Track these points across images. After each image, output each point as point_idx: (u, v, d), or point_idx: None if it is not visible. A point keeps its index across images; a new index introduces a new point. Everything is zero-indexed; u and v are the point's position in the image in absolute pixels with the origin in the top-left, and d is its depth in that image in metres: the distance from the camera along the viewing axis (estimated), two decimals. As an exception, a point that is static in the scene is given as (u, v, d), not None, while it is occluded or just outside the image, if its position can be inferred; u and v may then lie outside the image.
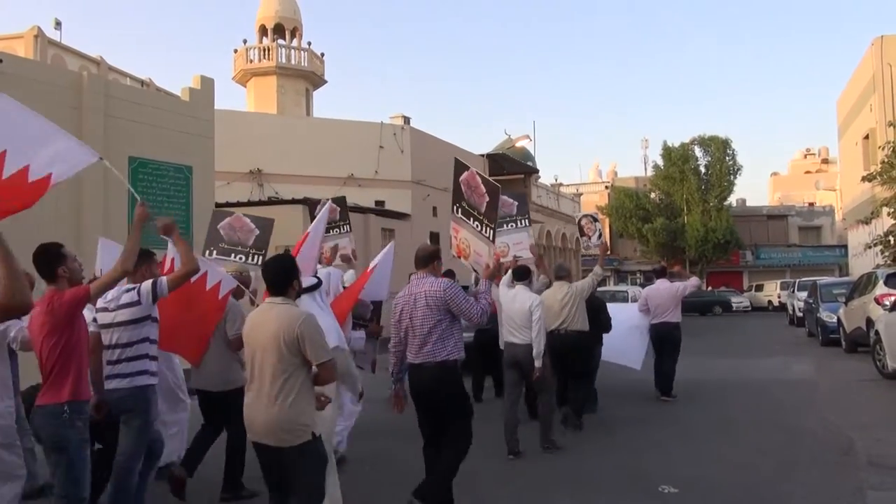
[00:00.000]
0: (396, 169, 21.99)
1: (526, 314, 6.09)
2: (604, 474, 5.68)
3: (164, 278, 4.13)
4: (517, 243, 7.75)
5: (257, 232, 5.99)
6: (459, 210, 5.13)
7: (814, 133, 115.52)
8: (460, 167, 5.12)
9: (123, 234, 10.33)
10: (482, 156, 27.70)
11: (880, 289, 11.79)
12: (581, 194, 43.39)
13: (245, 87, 29.40)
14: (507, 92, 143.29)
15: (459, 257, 5.27)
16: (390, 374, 4.73)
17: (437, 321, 4.36)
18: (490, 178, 4.94)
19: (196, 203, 11.85)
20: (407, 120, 23.22)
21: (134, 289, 4.07)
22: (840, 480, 5.28)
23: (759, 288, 36.09)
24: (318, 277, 4.72)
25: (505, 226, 8.01)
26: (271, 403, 3.35)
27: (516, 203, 8.27)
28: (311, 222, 5.19)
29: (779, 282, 33.88)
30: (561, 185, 43.12)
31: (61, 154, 3.93)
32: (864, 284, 13.25)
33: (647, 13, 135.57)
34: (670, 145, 38.52)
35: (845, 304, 13.92)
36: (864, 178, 20.74)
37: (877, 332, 10.43)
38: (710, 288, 36.71)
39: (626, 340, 8.49)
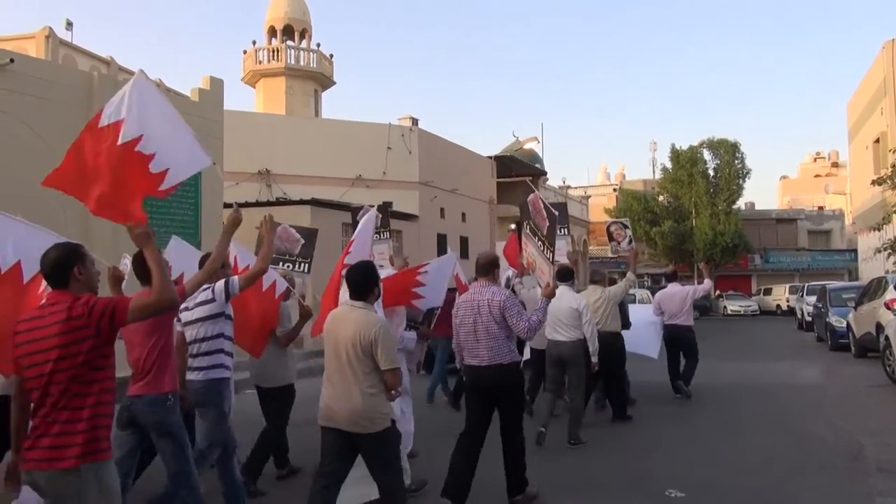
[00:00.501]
0: (404, 170, 22.02)
1: (572, 314, 6.50)
2: (610, 477, 5.67)
3: (236, 278, 4.35)
4: (557, 250, 7.90)
5: (303, 242, 6.35)
6: (528, 227, 5.41)
7: (824, 136, 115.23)
8: (529, 189, 5.53)
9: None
10: (490, 158, 27.72)
11: (890, 294, 11.71)
12: (589, 197, 43.31)
13: (254, 88, 29.51)
14: (516, 94, 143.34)
15: (528, 269, 5.63)
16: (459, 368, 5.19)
17: (499, 327, 4.71)
18: (551, 206, 5.21)
19: (204, 203, 11.90)
20: (415, 121, 23.26)
21: (209, 287, 4.28)
22: (849, 486, 5.25)
23: (768, 292, 35.91)
24: None
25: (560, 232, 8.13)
26: (354, 396, 3.70)
27: (556, 214, 8.34)
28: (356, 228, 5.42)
29: (788, 286, 33.70)
30: (569, 187, 43.07)
31: (182, 153, 4.16)
32: (873, 289, 13.16)
33: (657, 16, 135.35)
34: (679, 148, 38.37)
35: (855, 308, 13.83)
36: (874, 182, 20.60)
37: (886, 338, 10.36)
38: (717, 292, 36.59)
39: (642, 333, 8.86)
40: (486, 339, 4.73)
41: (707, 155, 38.18)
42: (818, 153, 61.44)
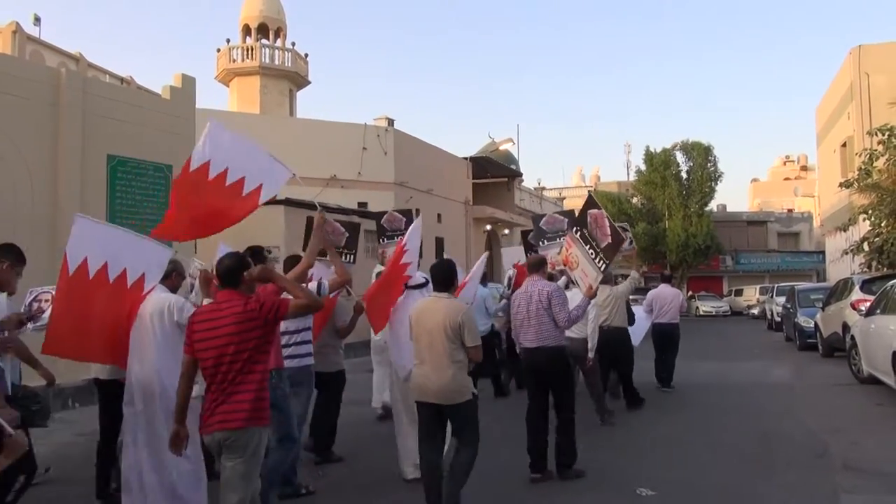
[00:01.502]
0: (380, 170, 21.94)
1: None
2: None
3: (327, 281, 5.17)
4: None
5: (347, 235, 6.73)
6: (578, 233, 6.01)
7: (793, 140, 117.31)
8: (592, 202, 6.12)
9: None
10: (466, 159, 27.73)
11: (856, 294, 11.94)
12: (564, 198, 43.62)
13: (228, 86, 29.20)
14: (492, 95, 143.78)
15: (565, 266, 6.29)
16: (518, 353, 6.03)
17: (547, 315, 5.54)
18: (618, 228, 5.80)
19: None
20: (391, 122, 23.19)
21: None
22: (815, 483, 5.34)
23: (739, 293, 36.45)
24: (426, 278, 5.76)
25: (558, 239, 9.24)
26: (443, 373, 4.44)
27: (566, 220, 9.48)
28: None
29: (758, 287, 34.21)
30: (544, 188, 43.32)
31: (266, 170, 4.82)
32: (840, 290, 13.42)
33: (633, 21, 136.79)
34: (652, 150, 38.78)
35: (822, 309, 14.08)
36: (841, 185, 21.01)
37: (852, 337, 10.55)
38: (689, 293, 37.01)
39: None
40: (536, 324, 5.56)
41: (680, 157, 38.63)
42: (788, 157, 62.48)
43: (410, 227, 6.29)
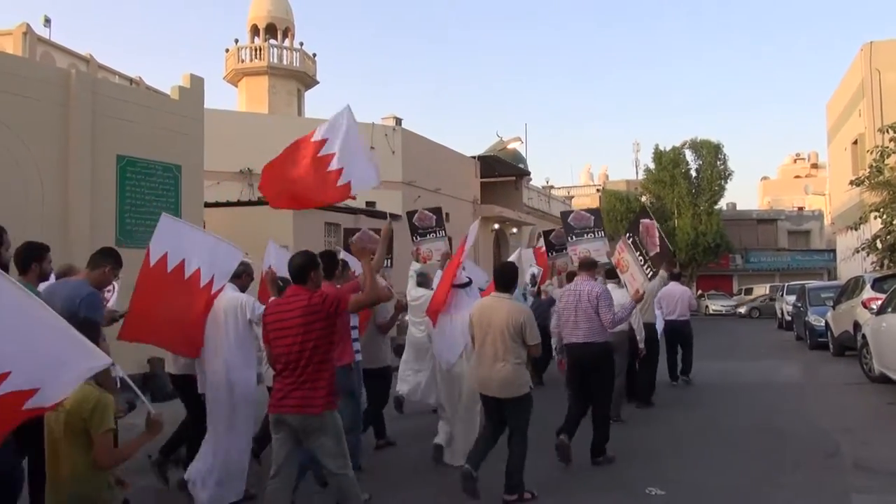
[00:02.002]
0: (387, 170, 21.90)
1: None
2: (591, 474, 5.69)
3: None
4: (596, 250, 9.76)
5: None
6: (631, 239, 6.59)
7: (803, 138, 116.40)
8: (645, 213, 6.88)
9: (110, 236, 10.27)
10: (474, 158, 27.72)
11: (867, 293, 11.87)
12: (572, 197, 43.47)
13: (236, 86, 29.30)
14: (500, 94, 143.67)
15: (617, 267, 6.94)
16: (554, 349, 6.69)
17: (595, 313, 5.86)
18: (667, 242, 6.32)
19: (184, 202, 11.77)
20: (398, 121, 23.21)
21: None
22: (826, 483, 5.31)
23: (749, 292, 36.26)
24: (469, 278, 6.32)
25: (585, 236, 10.17)
26: (503, 368, 4.82)
27: (593, 217, 10.34)
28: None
29: (768, 285, 34.02)
30: (552, 187, 43.20)
31: (361, 169, 5.34)
32: (851, 288, 13.33)
33: (641, 19, 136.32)
34: (661, 149, 38.62)
35: (833, 307, 13.99)
36: (852, 183, 20.86)
37: (864, 336, 10.48)
38: (699, 291, 36.85)
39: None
40: (584, 321, 5.89)
41: (689, 156, 38.48)
42: (798, 154, 62.09)
43: (471, 228, 6.83)
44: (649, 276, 6.19)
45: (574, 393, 6.04)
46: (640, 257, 6.34)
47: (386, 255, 6.63)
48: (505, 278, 5.09)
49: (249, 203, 16.96)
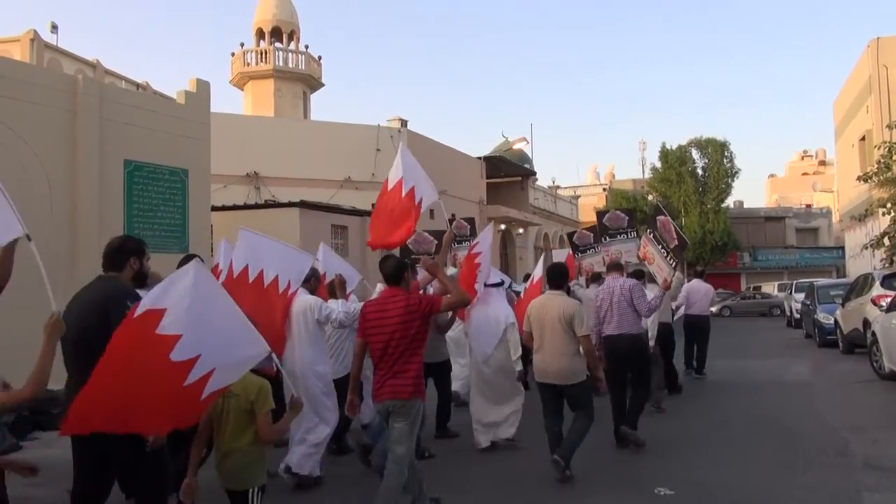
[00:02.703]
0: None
1: None
2: (600, 474, 5.69)
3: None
4: (628, 251, 10.10)
5: (436, 242, 7.28)
6: (651, 234, 7.38)
7: (811, 135, 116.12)
8: (659, 210, 7.60)
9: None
10: (479, 158, 27.72)
11: (877, 290, 11.82)
12: (579, 197, 43.38)
13: (242, 90, 29.40)
14: (505, 94, 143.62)
15: (644, 260, 7.66)
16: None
17: (628, 306, 6.46)
18: (683, 234, 7.00)
19: (192, 206, 11.83)
20: (404, 123, 23.23)
21: None
22: (836, 482, 5.28)
23: (757, 290, 36.11)
24: (502, 278, 7.09)
25: (618, 236, 10.47)
26: (561, 358, 5.40)
27: (627, 218, 10.59)
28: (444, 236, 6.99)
29: (776, 283, 33.86)
30: (558, 187, 43.11)
31: (428, 189, 6.46)
32: (860, 286, 13.26)
33: (646, 18, 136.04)
34: (668, 148, 38.50)
35: (842, 305, 13.92)
36: (860, 178, 20.77)
37: (873, 334, 10.44)
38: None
39: None
40: (618, 314, 6.48)
41: (696, 154, 38.34)
42: (805, 151, 61.85)
43: (481, 234, 7.33)
44: (673, 265, 6.92)
45: (612, 383, 6.48)
46: (663, 250, 7.08)
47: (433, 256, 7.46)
48: (557, 277, 5.84)
49: (256, 206, 17.04)
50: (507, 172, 29.56)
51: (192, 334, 3.03)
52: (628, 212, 10.87)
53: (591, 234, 11.40)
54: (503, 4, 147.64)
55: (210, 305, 3.15)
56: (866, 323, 11.57)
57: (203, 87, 12.59)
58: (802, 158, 61.30)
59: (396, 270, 4.49)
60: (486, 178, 27.87)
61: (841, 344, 13.84)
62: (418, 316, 4.30)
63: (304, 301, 5.54)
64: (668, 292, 8.70)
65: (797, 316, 20.95)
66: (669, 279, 6.88)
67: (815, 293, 16.93)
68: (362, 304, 5.07)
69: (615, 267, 7.10)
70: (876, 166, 19.04)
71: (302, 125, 24.58)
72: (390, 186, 6.37)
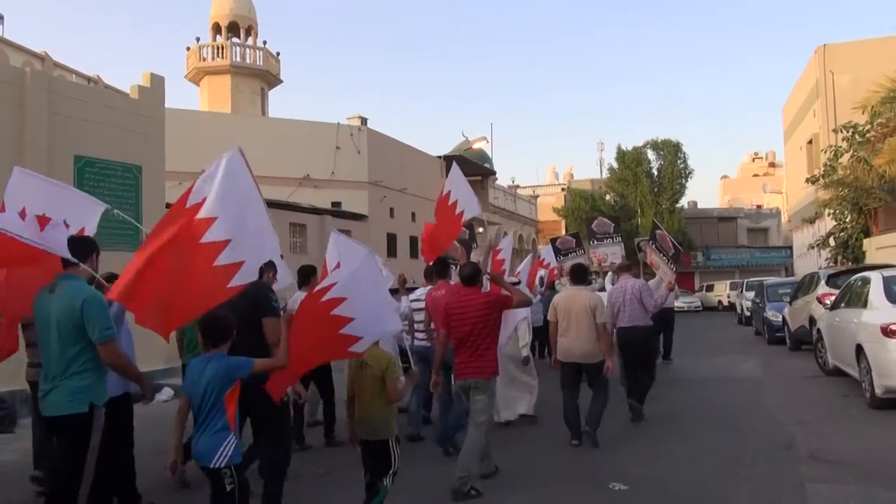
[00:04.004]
0: (353, 170, 21.87)
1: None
2: (555, 469, 5.77)
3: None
4: (613, 253, 11.77)
5: (461, 248, 8.41)
6: (654, 245, 9.04)
7: (761, 137, 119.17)
8: (657, 226, 9.38)
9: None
10: (440, 157, 27.75)
11: (822, 288, 12.19)
12: (538, 196, 43.79)
13: (198, 85, 28.84)
14: (465, 94, 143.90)
15: (652, 265, 9.14)
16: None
17: (638, 303, 7.56)
18: (678, 244, 8.78)
19: (146, 203, 11.55)
20: (364, 121, 23.11)
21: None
22: (782, 474, 5.46)
23: (710, 288, 36.93)
24: (519, 279, 8.25)
25: (605, 240, 12.09)
26: (585, 341, 6.39)
27: (613, 224, 12.20)
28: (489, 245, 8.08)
29: (728, 282, 34.71)
30: (518, 187, 43.45)
31: (470, 201, 7.65)
32: (807, 284, 13.69)
33: (604, 21, 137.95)
34: (624, 149, 39.12)
35: (790, 303, 14.34)
36: (807, 181, 21.45)
37: (819, 331, 10.76)
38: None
39: None
40: (630, 309, 7.58)
41: (651, 155, 39.05)
42: (756, 153, 63.38)
43: (503, 241, 8.63)
44: (674, 270, 8.63)
45: (626, 366, 7.81)
46: (664, 257, 8.69)
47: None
48: (580, 275, 6.95)
49: (212, 204, 16.71)
50: (467, 171, 29.38)
51: (362, 320, 4.01)
52: (614, 219, 12.35)
53: (574, 240, 12.98)
54: (464, 5, 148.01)
55: (375, 287, 4.21)
56: (812, 320, 11.93)
57: (157, 81, 12.31)
58: (753, 160, 62.83)
59: (474, 275, 5.47)
60: (446, 177, 27.90)
61: (788, 341, 14.27)
62: (496, 309, 5.31)
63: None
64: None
65: (747, 314, 21.52)
66: (673, 282, 8.50)
67: (764, 292, 17.41)
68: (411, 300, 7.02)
69: (625, 268, 8.21)
70: (822, 169, 19.69)
71: (260, 122, 24.26)
72: (443, 197, 7.53)
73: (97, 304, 3.77)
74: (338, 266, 5.21)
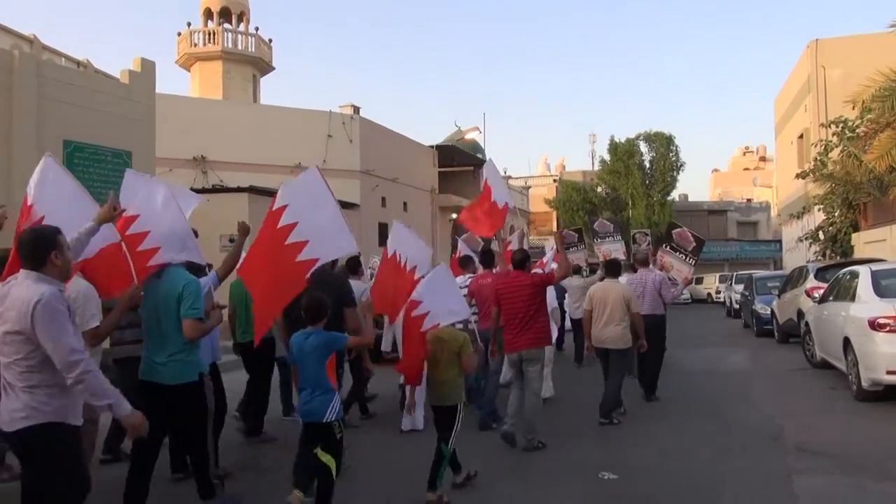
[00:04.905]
0: (345, 158, 21.76)
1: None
2: (543, 459, 5.80)
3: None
4: (616, 249, 12.72)
5: (482, 241, 9.69)
6: (668, 247, 10.00)
7: (753, 131, 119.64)
8: (674, 225, 10.36)
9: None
10: (432, 147, 27.66)
11: (810, 282, 12.27)
12: (530, 187, 43.76)
13: (189, 71, 28.58)
14: (459, 84, 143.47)
15: (664, 269, 9.74)
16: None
17: (656, 293, 8.38)
18: (699, 235, 9.95)
19: (136, 190, 11.47)
20: (356, 109, 22.98)
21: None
22: (769, 465, 5.51)
23: (699, 281, 37.13)
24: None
25: (607, 238, 13.18)
26: (617, 328, 7.16)
27: (612, 225, 13.36)
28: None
29: (718, 275, 34.88)
30: (510, 177, 43.38)
31: (506, 193, 8.80)
32: (795, 278, 13.78)
33: (598, 13, 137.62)
34: (617, 140, 39.13)
35: (778, 296, 14.43)
36: (797, 176, 21.55)
37: (807, 324, 10.84)
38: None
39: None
40: (650, 299, 8.29)
41: (643, 147, 39.06)
42: (747, 147, 63.58)
43: (513, 235, 9.55)
44: (692, 264, 9.75)
45: (638, 350, 8.23)
46: (681, 254, 9.71)
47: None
48: (613, 269, 7.84)
49: (203, 190, 16.60)
50: (460, 162, 29.60)
51: (430, 301, 4.96)
52: (614, 220, 13.61)
53: (576, 235, 13.58)
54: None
55: (444, 280, 5.26)
56: (800, 314, 12.01)
57: (148, 66, 12.20)
58: (744, 154, 63.03)
59: (523, 260, 6.41)
60: (439, 167, 27.85)
61: (777, 333, 14.36)
62: (542, 288, 6.22)
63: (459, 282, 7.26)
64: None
65: (736, 306, 21.65)
66: (689, 276, 9.80)
67: (753, 285, 17.51)
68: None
69: (644, 262, 8.94)
70: (812, 163, 19.78)
71: (251, 109, 24.07)
72: (485, 194, 8.58)
73: (193, 287, 4.36)
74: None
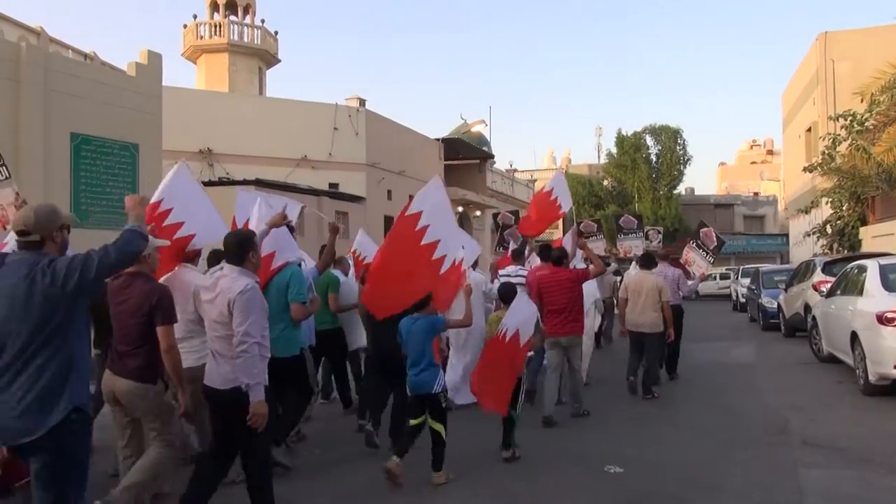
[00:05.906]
0: (351, 151, 21.77)
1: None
2: (549, 452, 5.80)
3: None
4: (636, 246, 13.28)
5: (522, 238, 10.20)
6: (694, 243, 10.92)
7: (760, 124, 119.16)
8: (703, 224, 11.30)
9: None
10: (438, 140, 27.63)
11: (818, 276, 12.22)
12: (535, 180, 43.65)
13: (195, 63, 28.60)
14: (465, 77, 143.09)
15: (685, 264, 10.70)
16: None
17: (677, 287, 9.16)
18: (720, 235, 11.02)
19: (142, 182, 11.50)
20: (363, 102, 22.96)
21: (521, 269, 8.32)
22: (775, 459, 5.50)
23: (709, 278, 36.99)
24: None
25: (629, 235, 13.76)
26: (651, 313, 8.05)
27: (636, 221, 13.99)
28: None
29: (723, 269, 34.81)
30: (515, 170, 43.32)
31: (567, 195, 9.75)
32: (803, 272, 13.73)
33: (604, 7, 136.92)
34: (623, 134, 39.01)
35: (785, 290, 14.39)
36: (805, 169, 21.43)
37: (814, 318, 10.82)
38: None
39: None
40: (669, 291, 8.45)
41: (650, 141, 38.96)
42: (754, 141, 63.35)
43: (569, 234, 9.57)
44: (711, 261, 10.75)
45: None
46: (703, 251, 10.68)
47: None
48: (648, 261, 8.60)
49: (210, 183, 16.64)
50: (465, 154, 29.57)
51: (514, 322, 5.44)
52: (637, 216, 14.24)
53: (595, 225, 14.25)
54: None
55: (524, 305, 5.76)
56: (807, 307, 11.98)
57: (155, 59, 12.22)
58: (751, 147, 62.78)
59: (562, 257, 7.21)
60: (444, 160, 27.83)
61: (783, 327, 14.34)
62: (580, 282, 6.96)
63: (476, 277, 7.50)
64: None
65: (742, 300, 21.59)
66: (707, 272, 10.96)
67: (759, 278, 17.46)
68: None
69: (664, 257, 9.78)
70: (820, 157, 19.66)
71: (257, 102, 24.08)
72: (545, 192, 9.77)
73: (298, 276, 5.28)
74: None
